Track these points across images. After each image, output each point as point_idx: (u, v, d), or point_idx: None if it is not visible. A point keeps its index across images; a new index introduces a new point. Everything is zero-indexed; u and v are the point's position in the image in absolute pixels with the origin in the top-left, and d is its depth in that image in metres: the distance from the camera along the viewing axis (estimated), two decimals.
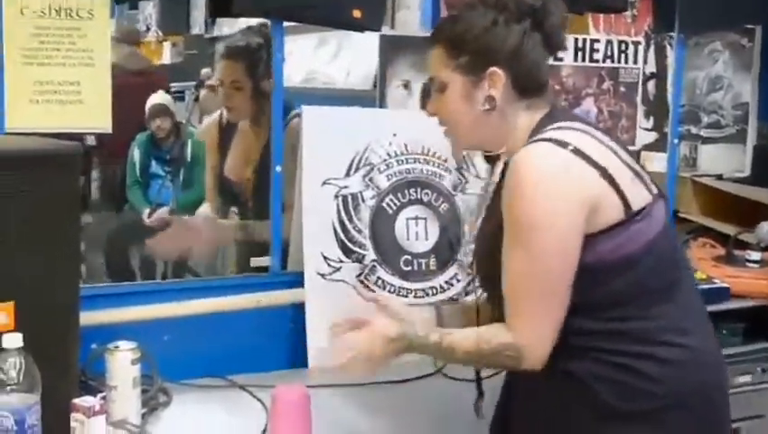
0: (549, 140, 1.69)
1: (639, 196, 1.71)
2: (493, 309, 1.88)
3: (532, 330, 1.69)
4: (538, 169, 1.66)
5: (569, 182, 1.66)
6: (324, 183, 2.48)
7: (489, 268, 1.81)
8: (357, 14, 2.34)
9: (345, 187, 2.50)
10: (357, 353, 1.85)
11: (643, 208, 1.70)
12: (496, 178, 1.94)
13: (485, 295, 1.96)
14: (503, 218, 1.71)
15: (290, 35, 2.80)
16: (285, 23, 2.45)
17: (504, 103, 1.78)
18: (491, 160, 1.95)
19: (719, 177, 3.53)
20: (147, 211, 5.01)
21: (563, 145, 1.68)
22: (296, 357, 2.44)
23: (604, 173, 1.67)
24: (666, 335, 1.71)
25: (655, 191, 1.76)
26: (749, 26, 3.41)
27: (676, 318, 1.74)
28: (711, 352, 1.81)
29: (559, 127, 1.73)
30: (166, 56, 7.59)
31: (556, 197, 1.64)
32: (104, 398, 1.83)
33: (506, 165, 1.86)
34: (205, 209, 3.25)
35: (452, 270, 2.60)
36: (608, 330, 1.70)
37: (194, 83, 5.74)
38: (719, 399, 1.81)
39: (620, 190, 1.68)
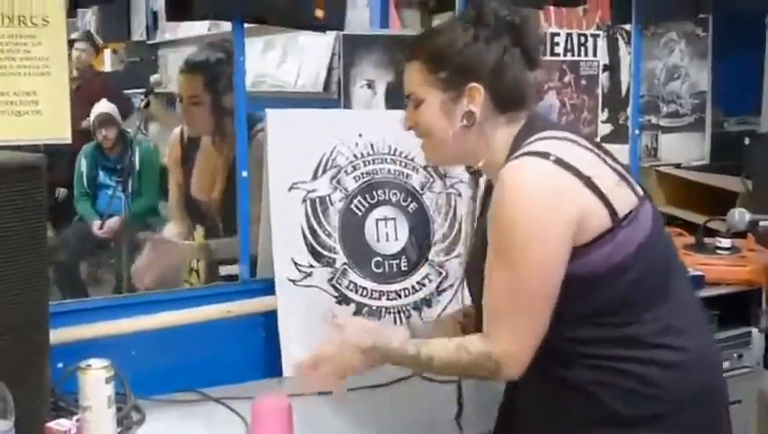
0: (531, 153, 1.66)
1: (625, 201, 1.68)
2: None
3: (514, 342, 1.67)
4: (522, 185, 1.63)
5: (554, 196, 1.62)
6: (292, 187, 2.43)
7: (480, 285, 1.77)
8: (319, 13, 2.29)
9: (313, 191, 2.45)
10: (329, 365, 1.83)
11: (630, 212, 1.67)
12: (480, 192, 1.93)
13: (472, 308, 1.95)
14: (488, 232, 1.69)
15: None
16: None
17: (483, 118, 1.76)
18: (473, 173, 1.93)
19: (677, 166, 3.56)
20: (98, 222, 4.94)
21: (544, 156, 1.64)
22: (271, 366, 2.39)
23: (588, 182, 1.64)
24: (664, 338, 1.69)
25: (641, 193, 1.73)
26: (702, 16, 3.43)
27: (673, 320, 1.71)
28: (710, 352, 1.80)
29: (539, 138, 1.70)
30: (107, 64, 7.46)
31: (542, 213, 1.61)
32: (79, 420, 1.76)
33: (489, 182, 1.86)
34: (170, 229, 3.17)
35: (423, 270, 2.56)
36: (605, 337, 1.68)
37: (137, 90, 5.66)
38: (719, 399, 1.80)
39: (605, 198, 1.64)
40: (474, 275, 1.82)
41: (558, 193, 1.63)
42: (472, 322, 1.98)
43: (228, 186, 2.84)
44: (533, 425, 1.83)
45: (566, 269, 1.64)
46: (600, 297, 1.66)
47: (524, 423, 1.87)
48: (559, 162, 1.63)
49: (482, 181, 1.93)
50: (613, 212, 1.64)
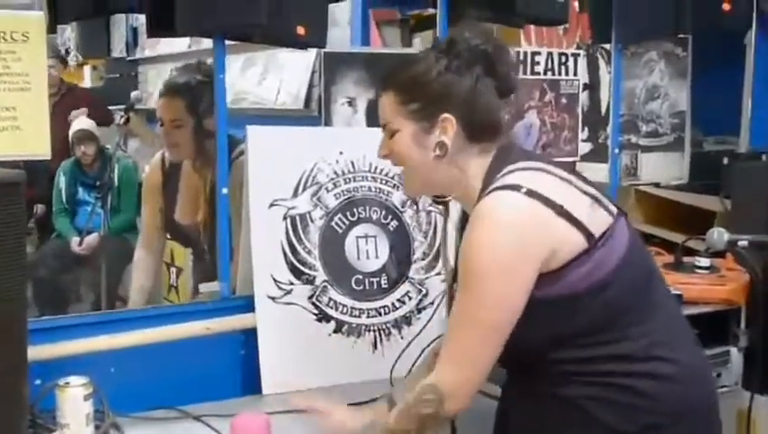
0: (502, 187, 1.68)
1: (600, 221, 1.69)
2: None
3: (460, 372, 1.69)
4: (493, 219, 1.65)
5: (525, 230, 1.64)
6: (272, 204, 2.42)
7: None
8: (301, 31, 2.29)
9: (293, 208, 2.44)
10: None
11: (606, 231, 1.68)
12: (454, 224, 1.95)
13: None
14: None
15: None
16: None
17: (456, 149, 1.76)
18: (441, 203, 1.96)
19: (656, 185, 3.57)
20: (77, 239, 4.90)
21: (516, 188, 1.66)
22: (250, 384, 2.37)
23: (561, 210, 1.66)
24: (657, 351, 1.70)
25: (615, 210, 1.75)
26: (682, 36, 3.45)
27: (660, 333, 1.73)
28: (700, 363, 1.82)
29: (510, 171, 1.72)
30: (87, 80, 7.44)
31: (508, 248, 1.63)
32: None
33: (464, 212, 1.87)
34: (139, 254, 3.15)
35: (403, 288, 2.56)
36: (595, 355, 1.69)
37: (117, 107, 5.64)
38: (714, 411, 1.80)
39: (578, 222, 1.66)
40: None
41: (530, 226, 1.64)
42: None
43: (212, 210, 2.83)
44: None
45: (544, 293, 1.65)
46: (583, 317, 1.67)
47: None
48: (531, 193, 1.65)
49: (455, 209, 1.95)
50: (588, 234, 1.66)
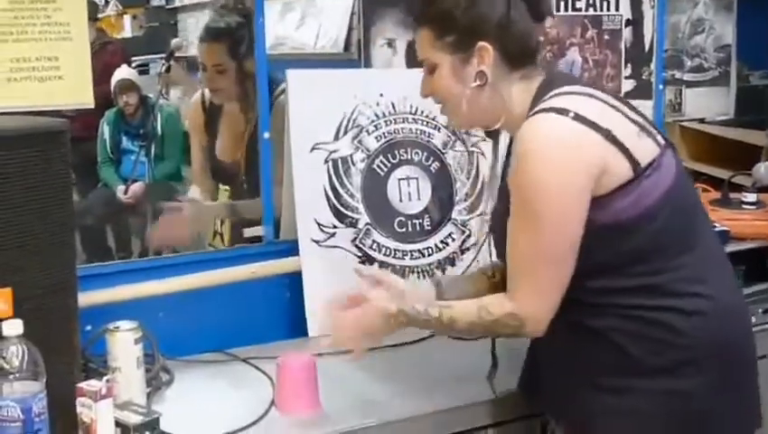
0: (549, 110, 1.67)
1: (646, 150, 1.68)
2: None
3: (535, 300, 1.70)
4: (539, 140, 1.65)
5: (572, 150, 1.64)
6: (313, 148, 2.43)
7: (504, 244, 1.79)
8: None
9: (335, 151, 2.45)
10: (356, 331, 1.85)
11: (652, 161, 1.68)
12: (501, 155, 1.94)
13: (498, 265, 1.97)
14: (510, 192, 1.71)
15: None
16: None
17: (496, 77, 1.77)
18: (492, 135, 1.96)
19: (701, 121, 3.52)
20: (122, 187, 4.95)
21: (563, 112, 1.66)
22: (296, 326, 2.40)
23: (608, 135, 1.65)
24: (689, 286, 1.70)
25: (662, 141, 1.74)
26: None
27: (697, 268, 1.72)
28: (733, 300, 1.80)
29: (557, 94, 1.72)
30: (127, 29, 7.46)
31: (558, 166, 1.63)
32: (109, 380, 1.78)
33: (512, 141, 1.85)
34: (193, 192, 3.19)
35: (446, 229, 2.56)
36: (633, 286, 1.69)
37: (158, 56, 5.65)
38: (744, 347, 1.79)
39: (626, 149, 1.66)
40: (499, 235, 1.83)
41: (577, 147, 1.64)
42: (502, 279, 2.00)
43: (250, 148, 2.84)
44: (555, 375, 1.85)
45: (588, 219, 1.65)
46: (625, 247, 1.67)
47: (547, 374, 1.88)
48: (577, 117, 1.65)
49: (504, 141, 1.94)
50: (634, 162, 1.66)
